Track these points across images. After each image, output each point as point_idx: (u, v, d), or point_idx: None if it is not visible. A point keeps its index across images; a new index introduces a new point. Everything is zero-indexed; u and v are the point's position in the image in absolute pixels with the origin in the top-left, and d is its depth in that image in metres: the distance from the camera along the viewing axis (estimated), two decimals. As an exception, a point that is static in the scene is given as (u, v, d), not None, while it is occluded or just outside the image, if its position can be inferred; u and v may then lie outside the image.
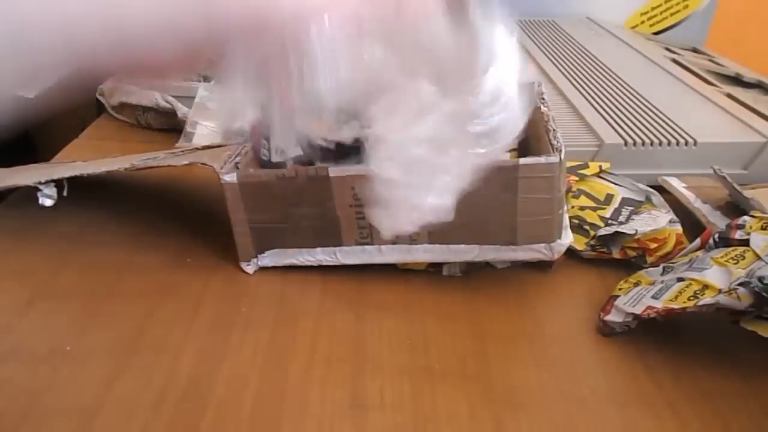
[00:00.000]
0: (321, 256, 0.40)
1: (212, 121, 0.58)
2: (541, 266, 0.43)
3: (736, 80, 0.75)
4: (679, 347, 0.37)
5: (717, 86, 0.70)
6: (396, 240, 0.38)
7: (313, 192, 0.34)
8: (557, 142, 0.35)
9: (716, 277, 0.35)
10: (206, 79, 0.66)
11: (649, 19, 0.95)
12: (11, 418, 0.31)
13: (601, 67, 0.72)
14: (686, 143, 0.54)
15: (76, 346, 0.36)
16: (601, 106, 0.61)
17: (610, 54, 0.76)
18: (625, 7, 0.95)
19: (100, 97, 0.63)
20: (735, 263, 0.36)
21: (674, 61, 0.78)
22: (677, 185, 0.50)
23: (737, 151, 0.55)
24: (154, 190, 0.52)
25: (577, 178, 0.49)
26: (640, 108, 0.60)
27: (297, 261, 0.41)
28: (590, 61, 0.74)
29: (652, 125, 0.57)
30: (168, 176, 0.53)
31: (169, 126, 0.62)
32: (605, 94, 0.64)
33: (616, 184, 0.48)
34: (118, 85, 0.61)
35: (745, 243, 0.38)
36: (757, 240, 0.37)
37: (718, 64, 0.80)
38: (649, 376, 0.35)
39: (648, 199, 0.47)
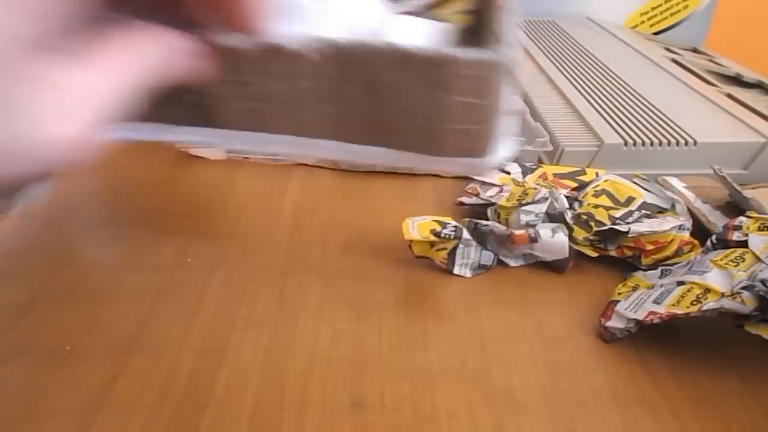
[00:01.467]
0: (191, 136, 0.30)
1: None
2: (542, 267, 0.44)
3: (736, 80, 0.75)
4: (679, 348, 0.37)
5: (717, 86, 0.70)
6: (296, 131, 0.30)
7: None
8: (508, 35, 0.28)
9: (718, 281, 0.35)
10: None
11: (649, 19, 0.95)
12: (11, 418, 0.31)
13: (601, 67, 0.72)
14: (686, 143, 0.54)
15: (76, 346, 0.36)
16: (601, 106, 0.61)
17: (610, 54, 0.77)
18: (625, 7, 0.95)
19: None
20: (735, 265, 0.36)
21: (674, 61, 0.78)
22: (677, 185, 0.50)
23: (737, 151, 0.55)
24: (155, 190, 0.52)
25: (575, 184, 0.49)
26: (640, 108, 0.60)
27: (156, 137, 0.30)
28: (590, 61, 0.74)
29: (652, 125, 0.57)
30: (168, 177, 0.53)
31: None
32: (605, 94, 0.64)
33: (643, 188, 0.48)
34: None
35: (743, 244, 0.38)
36: (756, 241, 0.37)
37: (718, 64, 0.80)
38: (649, 377, 0.35)
39: (672, 207, 0.47)
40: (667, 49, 0.84)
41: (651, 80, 0.69)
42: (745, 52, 0.92)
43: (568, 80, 0.68)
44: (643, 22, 0.96)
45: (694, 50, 0.88)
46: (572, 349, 0.37)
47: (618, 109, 0.60)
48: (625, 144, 0.54)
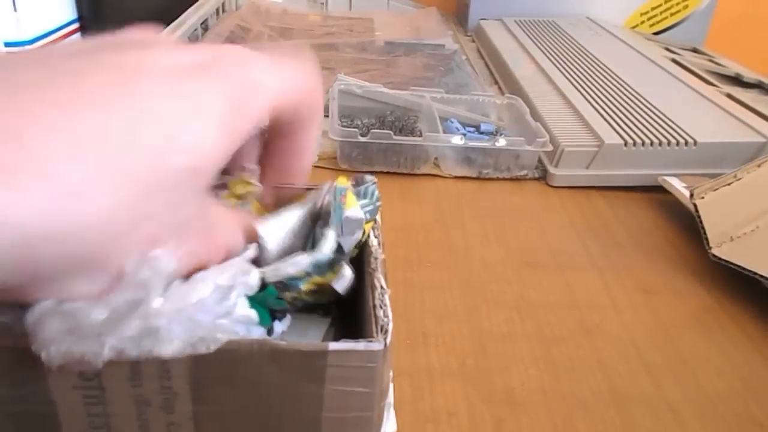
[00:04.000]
0: None
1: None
2: (543, 267, 0.44)
3: (736, 80, 0.75)
4: (679, 347, 0.37)
5: (717, 86, 0.70)
6: None
7: (10, 366, 0.25)
8: (386, 318, 0.27)
9: None
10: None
11: (649, 19, 0.96)
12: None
13: (601, 67, 0.72)
14: (686, 143, 0.54)
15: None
16: (601, 106, 0.61)
17: (610, 54, 0.77)
18: (625, 7, 0.95)
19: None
20: None
21: (674, 61, 0.78)
22: (677, 185, 0.50)
23: (737, 151, 0.55)
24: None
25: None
26: (640, 108, 0.60)
27: None
28: (590, 61, 0.74)
29: (652, 125, 0.57)
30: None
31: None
32: (605, 94, 0.64)
33: None
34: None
35: None
36: None
37: (718, 64, 0.80)
38: (649, 376, 0.35)
39: None
40: (667, 49, 0.84)
41: (651, 80, 0.69)
42: (744, 52, 0.92)
43: (568, 80, 0.68)
44: (643, 22, 0.96)
45: (694, 50, 0.88)
46: (572, 349, 0.37)
47: (618, 109, 0.60)
48: (625, 144, 0.54)
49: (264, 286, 0.27)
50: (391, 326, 0.25)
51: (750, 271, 0.40)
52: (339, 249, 0.28)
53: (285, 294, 0.28)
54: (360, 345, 0.25)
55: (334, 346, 0.25)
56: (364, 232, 0.30)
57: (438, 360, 0.36)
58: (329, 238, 0.28)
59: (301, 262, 0.27)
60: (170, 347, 0.23)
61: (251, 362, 0.25)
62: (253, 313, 0.26)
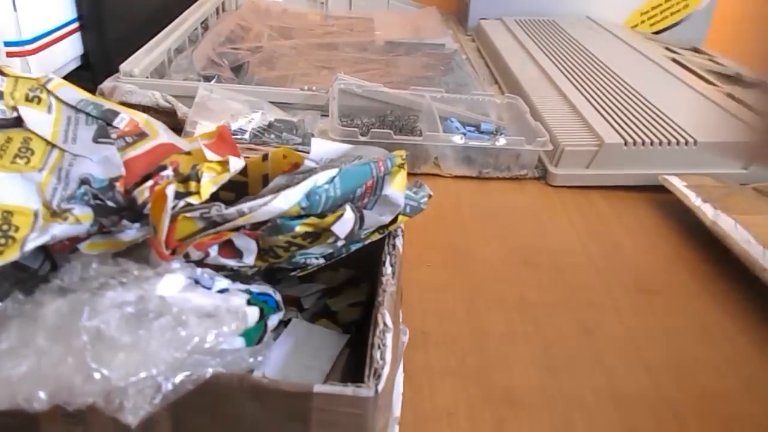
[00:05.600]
0: None
1: (212, 120, 0.58)
2: (542, 267, 0.44)
3: (736, 79, 0.75)
4: (679, 347, 0.37)
5: (717, 86, 0.70)
6: None
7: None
8: (381, 361, 0.24)
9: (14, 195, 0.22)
10: (206, 79, 0.66)
11: (649, 18, 0.96)
12: (11, 418, 0.31)
13: (601, 67, 0.72)
14: (686, 143, 0.54)
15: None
16: (601, 106, 0.61)
17: (610, 54, 0.77)
18: (625, 6, 0.95)
19: (100, 97, 0.63)
20: (26, 163, 0.22)
21: (674, 60, 0.78)
22: (678, 184, 0.50)
23: (737, 150, 0.55)
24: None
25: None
26: (640, 108, 0.60)
27: None
28: (590, 61, 0.74)
29: (652, 125, 0.57)
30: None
31: (169, 126, 0.62)
32: (605, 94, 0.64)
33: None
34: (117, 85, 0.61)
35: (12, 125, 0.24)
36: (35, 118, 0.23)
37: (718, 63, 0.80)
38: (649, 376, 0.35)
39: None
40: (667, 49, 0.84)
41: (651, 80, 0.69)
42: (744, 51, 0.92)
43: (568, 80, 0.68)
44: (643, 22, 0.96)
45: (694, 50, 0.88)
46: (572, 349, 0.37)
47: (618, 108, 0.60)
48: (625, 144, 0.54)
49: (262, 315, 0.26)
50: (386, 370, 0.23)
51: None
52: (360, 219, 0.27)
53: (278, 239, 0.26)
54: (348, 389, 0.23)
55: (319, 388, 0.23)
56: (395, 221, 0.29)
57: (438, 360, 0.36)
58: (328, 172, 0.26)
59: (292, 195, 0.25)
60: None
61: (232, 397, 0.24)
62: (240, 341, 0.25)
